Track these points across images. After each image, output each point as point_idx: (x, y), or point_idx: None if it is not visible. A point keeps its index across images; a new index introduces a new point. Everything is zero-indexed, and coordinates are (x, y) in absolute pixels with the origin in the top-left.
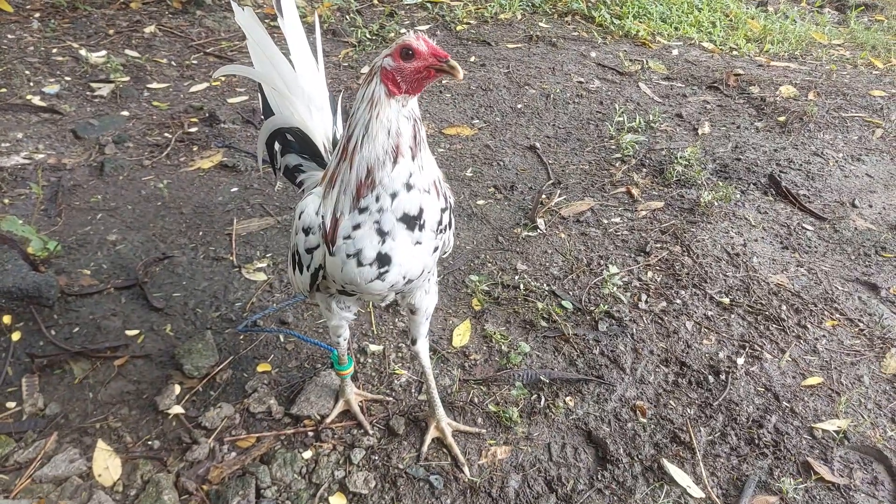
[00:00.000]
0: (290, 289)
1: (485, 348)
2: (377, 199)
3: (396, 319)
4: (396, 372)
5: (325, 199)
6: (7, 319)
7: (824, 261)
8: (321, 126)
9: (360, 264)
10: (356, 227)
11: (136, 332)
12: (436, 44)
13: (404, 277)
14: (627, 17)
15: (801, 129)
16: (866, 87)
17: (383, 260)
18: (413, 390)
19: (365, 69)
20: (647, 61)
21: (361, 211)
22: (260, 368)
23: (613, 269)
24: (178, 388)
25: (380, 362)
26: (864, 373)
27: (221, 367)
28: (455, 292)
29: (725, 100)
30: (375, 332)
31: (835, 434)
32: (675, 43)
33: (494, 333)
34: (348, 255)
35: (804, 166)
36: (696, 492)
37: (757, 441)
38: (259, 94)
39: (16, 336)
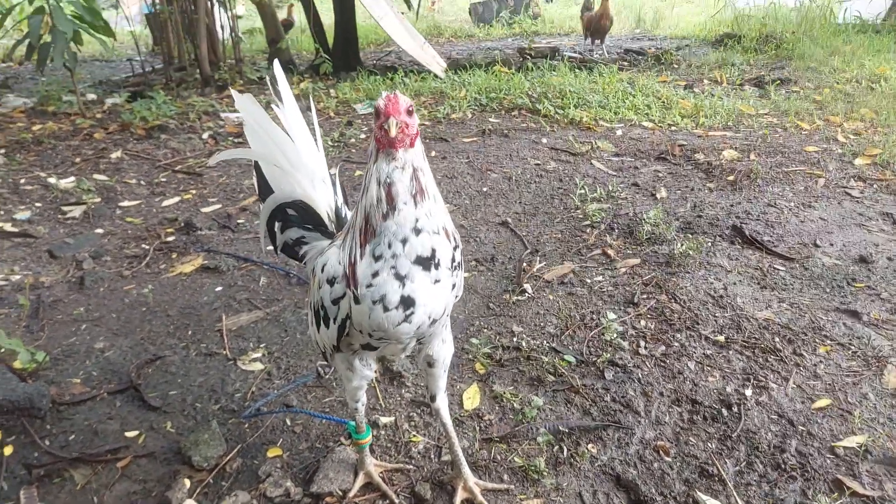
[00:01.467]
0: (289, 375)
1: (497, 408)
2: (389, 246)
3: (403, 391)
4: (413, 439)
5: (342, 249)
6: None
7: (802, 295)
8: (324, 198)
9: (386, 309)
10: (375, 274)
11: (135, 432)
12: (405, 100)
13: (429, 317)
14: (569, 107)
15: (751, 186)
16: (800, 144)
17: (407, 302)
18: (432, 456)
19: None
20: (595, 142)
21: (377, 259)
22: (270, 453)
23: (612, 316)
24: (188, 482)
25: (393, 433)
26: (868, 390)
27: (230, 456)
28: (456, 360)
29: (675, 168)
30: (383, 405)
31: (857, 449)
32: (617, 125)
33: (504, 393)
34: (374, 302)
35: (762, 216)
36: None
37: (783, 465)
38: (255, 177)
39: (8, 450)
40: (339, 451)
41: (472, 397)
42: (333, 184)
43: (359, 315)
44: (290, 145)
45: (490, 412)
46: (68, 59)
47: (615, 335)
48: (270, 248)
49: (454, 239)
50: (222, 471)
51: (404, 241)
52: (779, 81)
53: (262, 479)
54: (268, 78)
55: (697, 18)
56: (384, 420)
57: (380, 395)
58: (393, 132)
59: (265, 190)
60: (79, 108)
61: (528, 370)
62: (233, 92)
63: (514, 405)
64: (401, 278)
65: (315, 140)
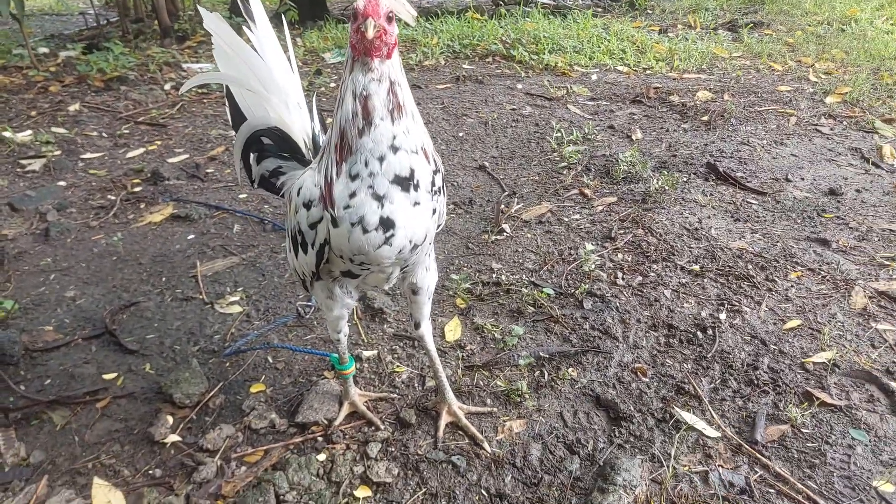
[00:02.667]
0: (269, 316)
1: (478, 338)
2: (366, 164)
3: (385, 326)
4: (397, 370)
5: (318, 171)
6: None
7: (774, 226)
8: (300, 122)
9: (365, 231)
10: (352, 194)
11: (113, 375)
12: (386, 3)
13: (410, 241)
14: (544, 53)
15: (724, 125)
16: (772, 85)
17: (387, 224)
18: (416, 385)
19: None
20: (570, 87)
21: (354, 178)
22: (254, 389)
23: (590, 247)
24: (170, 419)
25: (377, 365)
26: (837, 311)
27: (213, 393)
28: (437, 296)
29: (650, 110)
30: (366, 341)
31: (826, 364)
32: (592, 70)
33: (485, 324)
34: (352, 224)
35: (735, 154)
36: (712, 432)
37: (756, 381)
38: (227, 106)
39: None
40: (322, 384)
41: (453, 329)
42: (310, 109)
43: (338, 238)
44: (263, 66)
45: (472, 342)
46: (16, 9)
47: (593, 266)
48: (247, 181)
49: (434, 162)
50: (205, 407)
51: (381, 159)
52: (752, 25)
53: (247, 412)
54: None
55: None
56: (367, 354)
57: (362, 332)
58: (370, 33)
59: (238, 118)
60: (31, 62)
61: (508, 303)
62: (200, 9)
63: (495, 335)
64: (379, 198)
65: (289, 61)
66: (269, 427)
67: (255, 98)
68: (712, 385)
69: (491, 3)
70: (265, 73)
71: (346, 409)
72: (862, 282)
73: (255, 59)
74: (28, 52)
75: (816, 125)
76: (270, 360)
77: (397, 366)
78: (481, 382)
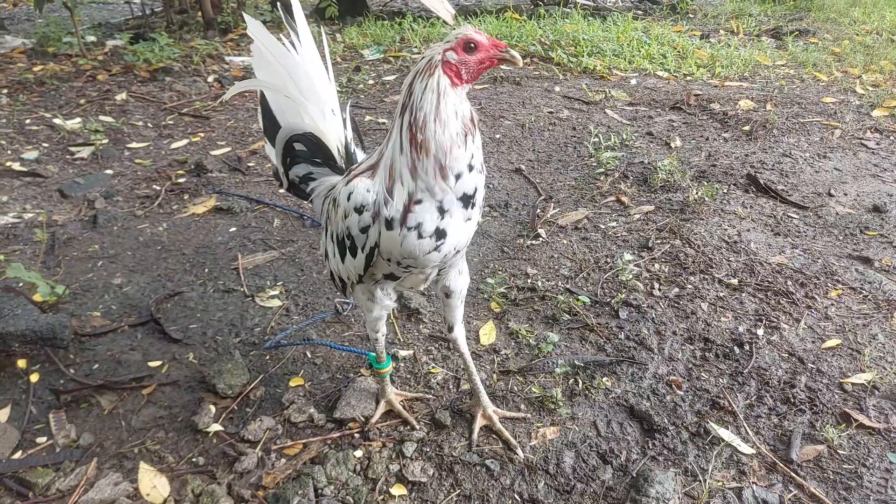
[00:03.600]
0: (307, 311)
1: (513, 344)
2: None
3: (420, 326)
4: (432, 371)
5: (374, 178)
6: (22, 363)
7: (815, 242)
8: (335, 130)
9: (420, 237)
10: (418, 202)
11: (158, 362)
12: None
13: (454, 249)
14: (583, 56)
15: (766, 136)
16: (817, 96)
17: (440, 234)
18: (451, 387)
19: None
20: (608, 91)
21: (421, 190)
22: (293, 383)
23: (628, 257)
24: (213, 408)
25: (412, 365)
26: (878, 331)
27: (253, 385)
28: (472, 299)
29: (689, 117)
30: (402, 340)
31: (865, 385)
32: (631, 74)
33: (519, 330)
34: (409, 228)
35: (776, 166)
36: (746, 449)
37: (792, 400)
38: (260, 113)
39: (34, 378)
40: (359, 381)
41: (488, 333)
42: (344, 118)
43: (389, 242)
44: (303, 74)
45: (506, 347)
46: None
47: (630, 276)
48: (283, 189)
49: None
50: (246, 398)
51: (458, 177)
52: (797, 32)
53: (286, 405)
54: (279, 3)
55: None
56: (403, 353)
57: (398, 331)
58: (520, 62)
59: (271, 124)
60: (80, 50)
61: (543, 309)
62: (245, 16)
63: (530, 341)
64: (442, 212)
65: (326, 69)
66: (307, 421)
67: (292, 105)
68: (748, 401)
69: (530, 3)
70: (305, 80)
71: (382, 408)
72: None
73: (295, 67)
74: (77, 40)
75: (862, 139)
76: (309, 356)
77: (433, 367)
78: (515, 388)
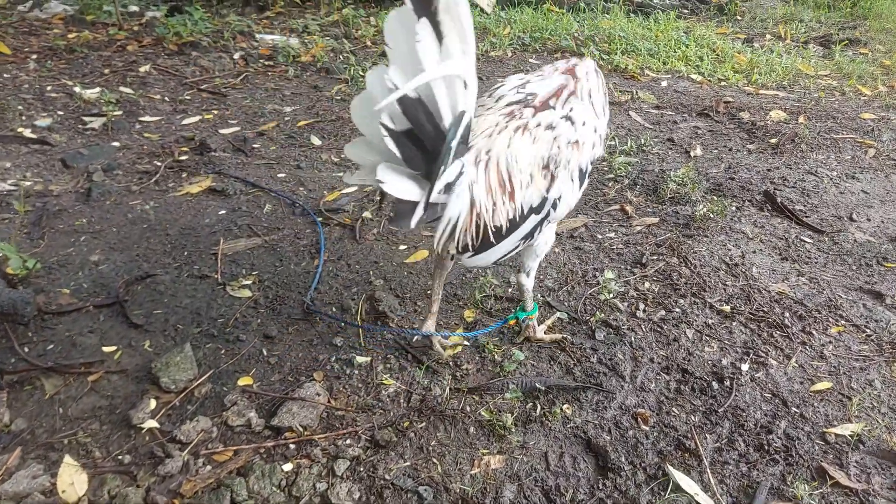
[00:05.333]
0: (275, 305)
1: (477, 358)
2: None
3: (385, 332)
4: (384, 382)
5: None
6: None
7: (825, 271)
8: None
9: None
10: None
11: (113, 348)
12: None
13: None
14: (616, 53)
15: (794, 150)
16: (856, 111)
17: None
18: (401, 400)
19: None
20: (636, 92)
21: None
22: (241, 382)
23: (610, 275)
24: (153, 403)
25: (367, 373)
26: (875, 377)
27: (200, 381)
28: (446, 305)
29: (716, 125)
30: (363, 345)
31: (849, 438)
32: (663, 76)
33: (487, 343)
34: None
35: (799, 184)
36: (705, 499)
37: (766, 447)
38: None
39: None
40: (307, 387)
41: (453, 346)
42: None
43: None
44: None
45: (469, 361)
46: None
47: (611, 295)
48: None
49: None
50: (190, 395)
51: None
52: (847, 41)
53: (228, 406)
54: None
55: None
56: (360, 359)
57: (361, 334)
58: None
59: (424, 136)
60: (117, 19)
61: (517, 323)
62: None
63: (496, 357)
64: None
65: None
66: (245, 426)
67: (465, 90)
68: (717, 444)
69: None
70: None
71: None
72: None
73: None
74: (115, 9)
75: None
76: (265, 353)
77: (386, 377)
78: (468, 407)
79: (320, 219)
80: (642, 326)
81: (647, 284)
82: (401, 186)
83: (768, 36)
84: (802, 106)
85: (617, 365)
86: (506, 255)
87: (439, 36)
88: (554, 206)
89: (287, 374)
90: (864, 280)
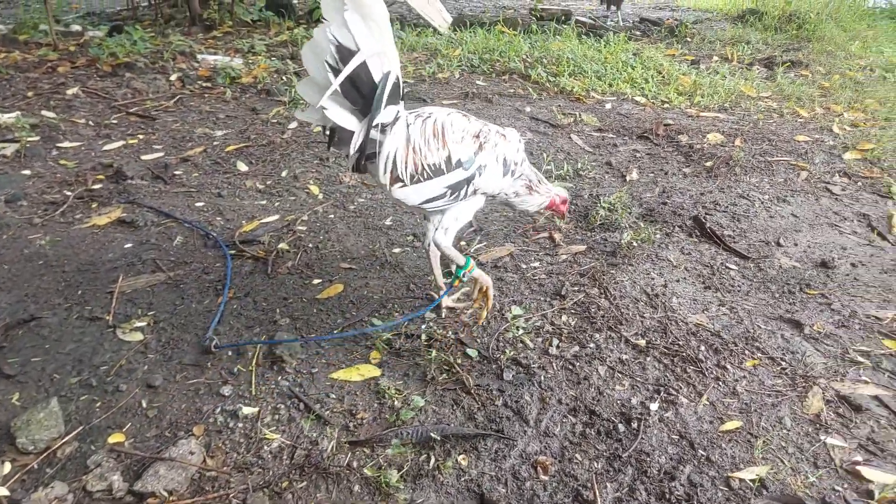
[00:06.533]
0: (167, 349)
1: (376, 405)
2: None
3: (281, 378)
4: (267, 437)
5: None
6: None
7: (747, 300)
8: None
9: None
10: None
11: None
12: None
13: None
14: (563, 75)
15: (728, 174)
16: (791, 133)
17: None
18: (284, 457)
19: (293, 124)
20: (580, 115)
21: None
22: (112, 439)
23: (517, 311)
24: (8, 467)
25: (251, 427)
26: (786, 414)
27: (66, 439)
28: (353, 345)
29: (655, 148)
30: (254, 393)
31: (751, 484)
32: (608, 98)
33: (388, 388)
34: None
35: (730, 208)
36: None
37: (668, 495)
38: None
39: None
40: (182, 445)
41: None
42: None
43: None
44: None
45: (367, 409)
46: None
47: (520, 332)
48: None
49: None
50: (52, 455)
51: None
52: (790, 63)
53: (90, 469)
54: None
55: None
56: (246, 411)
57: (253, 382)
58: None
59: (361, 85)
60: (52, 39)
61: (425, 364)
62: None
63: (395, 403)
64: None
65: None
66: (105, 491)
67: (390, 55)
68: (617, 494)
69: (530, 16)
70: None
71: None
72: (824, 381)
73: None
74: (50, 28)
75: (828, 183)
76: (144, 405)
77: (271, 431)
78: (356, 463)
79: (232, 251)
80: (554, 364)
81: (564, 318)
82: (341, 115)
83: (715, 57)
84: (740, 128)
85: (523, 408)
86: (431, 200)
87: (364, 17)
88: (479, 171)
89: (165, 429)
90: (785, 308)
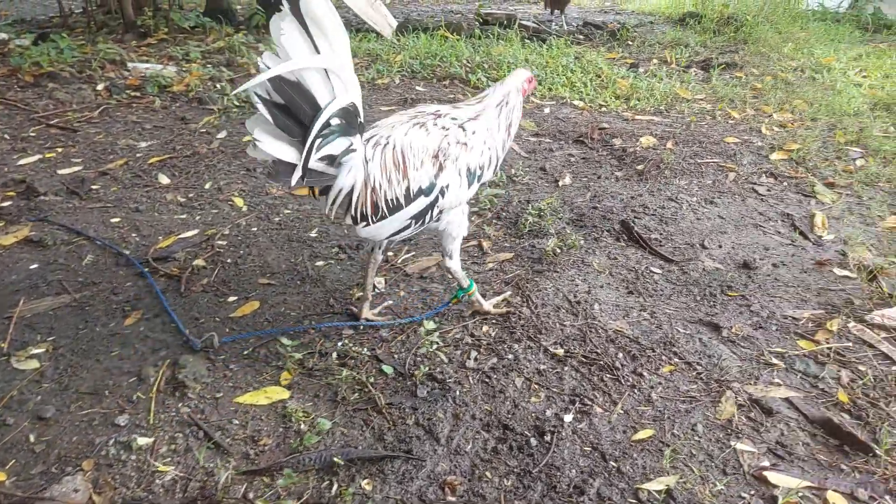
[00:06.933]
0: (64, 378)
1: (281, 430)
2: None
3: (182, 404)
4: (160, 469)
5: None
6: None
7: (669, 303)
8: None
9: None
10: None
11: None
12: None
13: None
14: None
15: (658, 177)
16: (721, 135)
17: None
18: (177, 490)
19: (222, 134)
20: None
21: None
22: None
23: (430, 325)
24: None
25: (145, 458)
26: (699, 420)
27: None
28: (264, 365)
29: (590, 152)
30: (151, 422)
31: (658, 496)
32: (547, 102)
33: (296, 411)
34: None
35: (658, 211)
36: None
37: None
38: (268, 107)
39: None
40: (67, 482)
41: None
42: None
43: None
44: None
45: (271, 435)
46: None
47: (433, 347)
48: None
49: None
50: None
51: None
52: (725, 65)
53: None
54: None
55: None
56: (141, 441)
57: (152, 409)
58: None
59: (298, 111)
60: None
61: (337, 383)
62: None
63: (302, 427)
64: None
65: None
66: None
67: (338, 80)
68: None
69: (476, 21)
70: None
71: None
72: (737, 385)
73: (343, 36)
74: None
75: (755, 184)
76: (33, 439)
77: (164, 464)
78: (252, 494)
79: (146, 269)
80: (471, 378)
81: (485, 328)
82: (276, 147)
83: (655, 60)
84: (673, 131)
85: (435, 426)
86: (397, 234)
87: (309, 35)
88: (442, 193)
89: (52, 465)
90: (705, 311)
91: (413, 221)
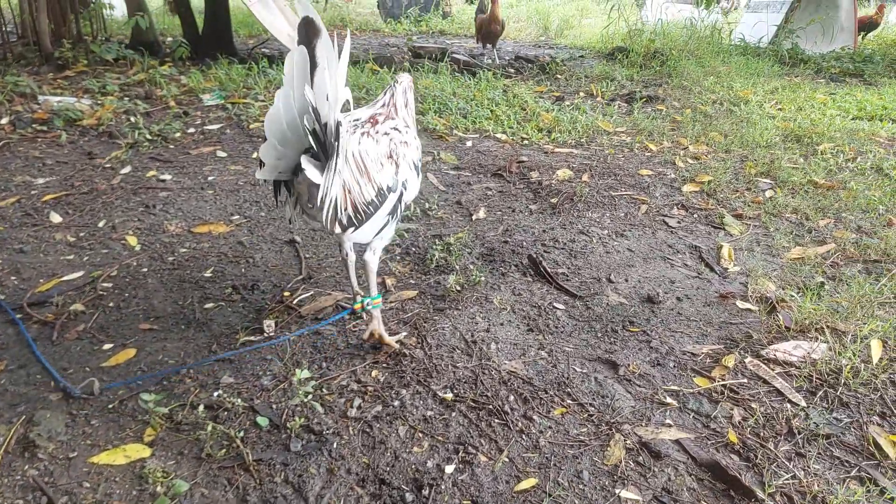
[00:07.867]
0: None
1: (135, 492)
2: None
3: (29, 466)
4: None
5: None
6: None
7: (569, 341)
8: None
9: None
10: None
11: None
12: None
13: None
14: (429, 113)
15: (571, 210)
16: (637, 167)
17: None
18: None
19: (127, 169)
20: (439, 153)
21: None
22: None
23: (304, 374)
24: None
25: None
26: (585, 466)
27: None
28: (129, 420)
29: (507, 186)
30: None
31: None
32: (470, 135)
33: (155, 471)
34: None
35: (568, 245)
36: None
37: None
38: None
39: None
40: None
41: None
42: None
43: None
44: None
45: (123, 498)
46: None
47: (308, 397)
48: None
49: None
50: None
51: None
52: (648, 98)
53: None
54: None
55: (602, 30)
56: None
57: None
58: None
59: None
60: None
61: (207, 438)
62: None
63: (158, 488)
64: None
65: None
66: None
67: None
68: None
69: (409, 55)
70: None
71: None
72: (628, 426)
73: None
74: None
75: (665, 216)
76: None
77: None
78: None
79: (19, 315)
80: (351, 428)
81: (374, 373)
82: (314, 173)
83: (581, 93)
84: (590, 163)
85: (305, 483)
86: (381, 230)
87: (314, 64)
88: (405, 186)
89: None
90: (605, 349)
91: (389, 218)
